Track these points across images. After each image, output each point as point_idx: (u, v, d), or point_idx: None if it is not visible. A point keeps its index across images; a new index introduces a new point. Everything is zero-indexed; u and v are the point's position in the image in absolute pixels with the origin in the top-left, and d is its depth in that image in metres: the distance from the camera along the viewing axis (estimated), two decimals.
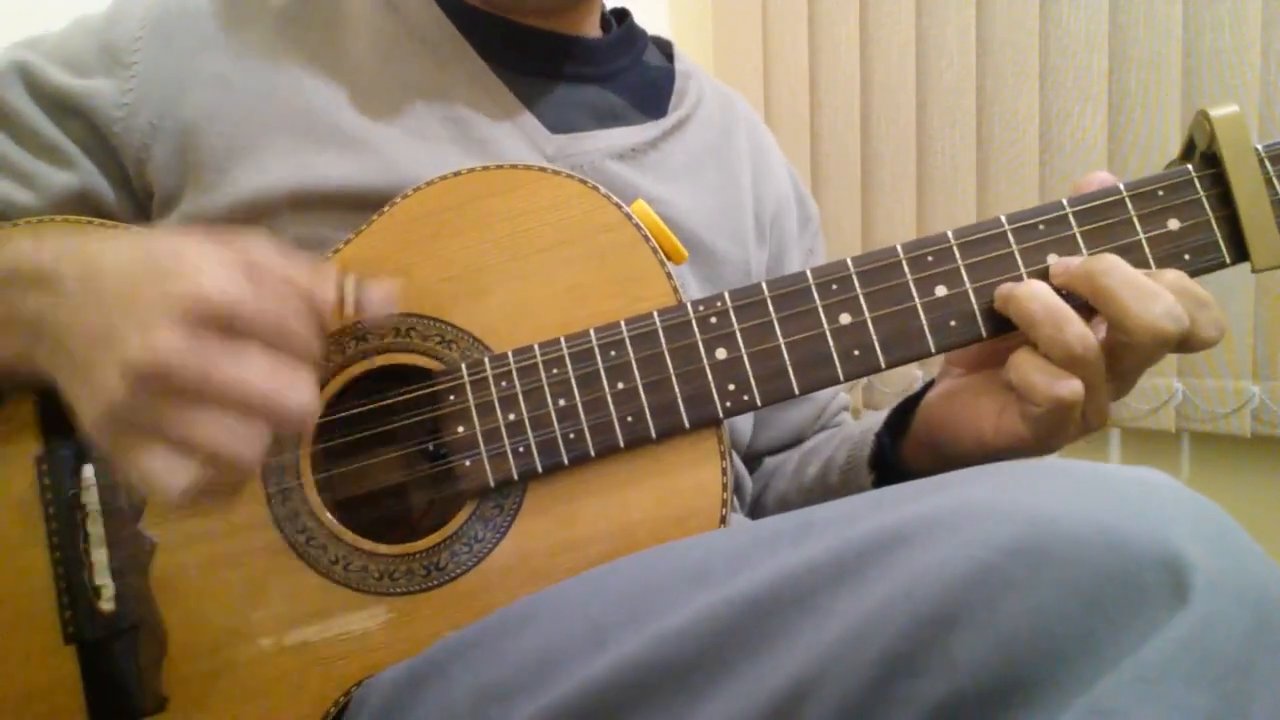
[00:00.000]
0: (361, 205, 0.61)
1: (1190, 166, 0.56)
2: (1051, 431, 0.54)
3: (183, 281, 0.44)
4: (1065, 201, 0.56)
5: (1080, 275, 0.53)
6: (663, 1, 1.90)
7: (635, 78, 0.76)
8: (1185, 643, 0.34)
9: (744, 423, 0.75)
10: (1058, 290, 0.53)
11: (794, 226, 0.84)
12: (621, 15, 0.81)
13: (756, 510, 0.80)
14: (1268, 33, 1.30)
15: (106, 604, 0.56)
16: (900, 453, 0.66)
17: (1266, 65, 1.30)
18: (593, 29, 0.76)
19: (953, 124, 1.56)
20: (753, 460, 0.84)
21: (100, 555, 0.56)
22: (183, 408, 0.43)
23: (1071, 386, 0.51)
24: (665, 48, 0.83)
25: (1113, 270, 0.51)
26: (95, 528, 0.56)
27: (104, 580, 0.56)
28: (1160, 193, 0.56)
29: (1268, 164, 0.55)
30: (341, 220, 0.61)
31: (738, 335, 0.56)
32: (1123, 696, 0.34)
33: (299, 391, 0.45)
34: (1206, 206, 0.55)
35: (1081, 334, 0.51)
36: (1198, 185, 0.55)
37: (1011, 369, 0.54)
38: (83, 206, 0.64)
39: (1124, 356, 0.52)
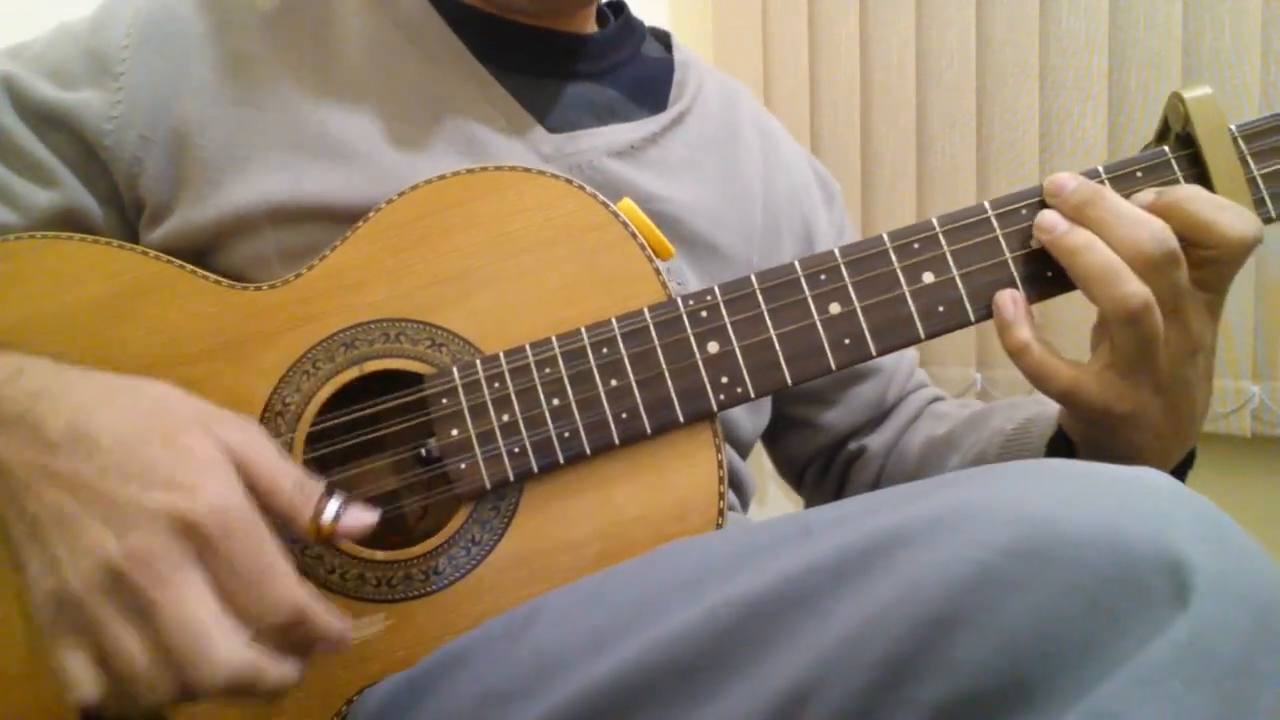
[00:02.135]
0: (350, 217, 0.60)
1: (1166, 148, 0.57)
2: (1136, 360, 0.53)
3: (175, 495, 0.44)
4: (1044, 185, 0.56)
5: (1072, 207, 0.54)
6: (663, 2, 1.90)
7: (633, 72, 0.75)
8: (1186, 644, 0.34)
9: (740, 416, 0.75)
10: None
11: (819, 207, 0.83)
12: (618, 8, 0.81)
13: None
14: (1268, 33, 1.29)
15: None
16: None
17: (1266, 65, 1.30)
18: (589, 25, 0.75)
19: (953, 124, 1.56)
20: (837, 446, 0.83)
21: None
22: (124, 620, 0.43)
23: (1134, 287, 0.52)
24: (664, 39, 0.82)
25: (1101, 199, 0.54)
26: None
27: None
28: (1139, 174, 0.57)
29: (1241, 143, 0.56)
30: (329, 232, 0.60)
31: (729, 328, 0.56)
32: (1124, 699, 0.34)
33: (226, 648, 0.43)
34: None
35: (1159, 230, 0.52)
36: (1174, 166, 0.57)
37: (1071, 264, 0.54)
38: (67, 224, 0.63)
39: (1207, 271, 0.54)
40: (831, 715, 0.39)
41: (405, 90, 0.66)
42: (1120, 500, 0.38)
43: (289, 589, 0.45)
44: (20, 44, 0.68)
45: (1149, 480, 0.40)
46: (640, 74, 0.76)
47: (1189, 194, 0.53)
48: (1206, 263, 0.54)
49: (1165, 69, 1.36)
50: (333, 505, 0.49)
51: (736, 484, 0.76)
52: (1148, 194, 0.55)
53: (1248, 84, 1.30)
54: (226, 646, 0.43)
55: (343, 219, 0.60)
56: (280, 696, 0.46)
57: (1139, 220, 0.53)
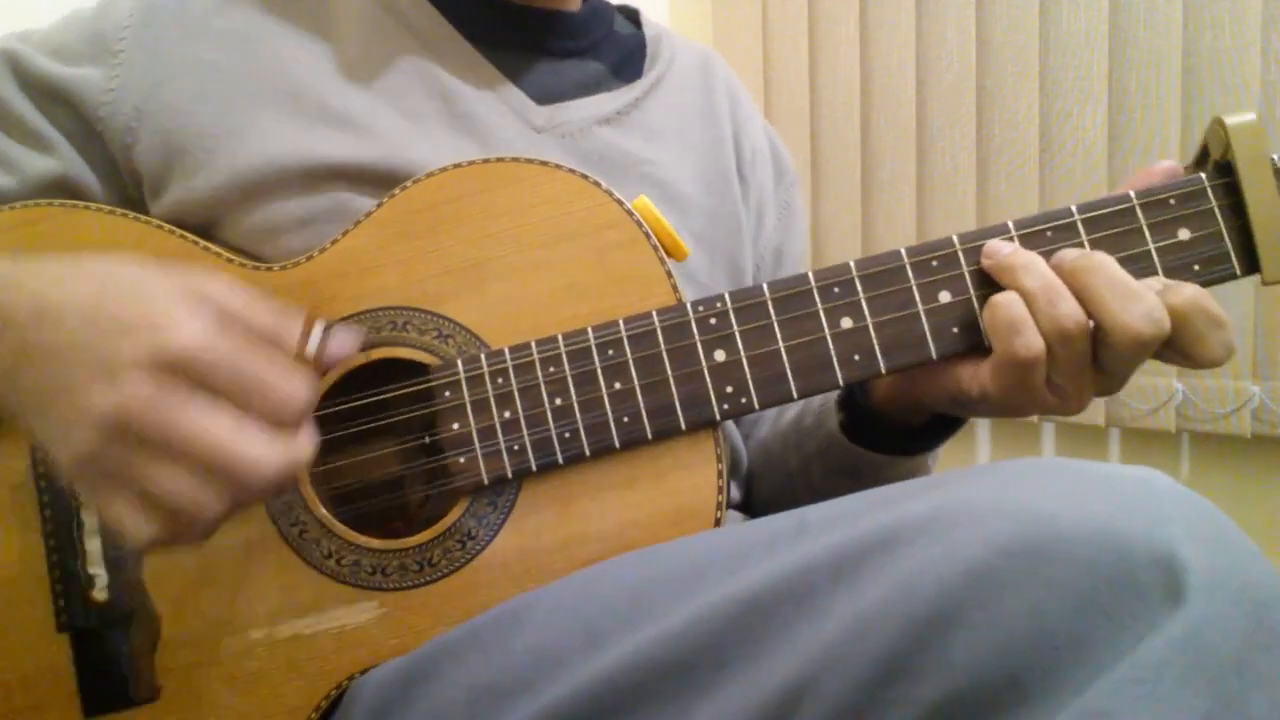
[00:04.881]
0: (359, 180, 0.61)
1: (1203, 175, 0.55)
2: (1011, 389, 0.54)
3: (150, 334, 0.43)
4: (1074, 208, 0.55)
5: (1067, 271, 0.52)
6: (663, 2, 1.90)
7: (610, 47, 0.77)
8: (1181, 643, 0.34)
9: None
10: None
11: (769, 180, 0.84)
12: None
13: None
14: (1268, 33, 1.29)
15: (99, 593, 0.56)
16: (868, 394, 0.66)
17: (1266, 65, 1.30)
18: (570, 1, 0.76)
19: (953, 124, 1.56)
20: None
21: (94, 544, 0.56)
22: (148, 459, 0.43)
23: (1027, 342, 0.51)
24: (633, 16, 0.83)
25: (1098, 269, 0.51)
26: (89, 516, 0.56)
27: (97, 569, 0.56)
28: (1172, 201, 0.55)
29: None
30: (338, 196, 0.61)
31: (737, 338, 0.56)
32: (1118, 697, 0.34)
33: (263, 449, 0.44)
34: (1219, 217, 0.54)
35: (1072, 312, 0.51)
36: (1210, 195, 0.55)
37: (987, 307, 0.54)
38: (62, 192, 0.64)
39: (1104, 355, 0.52)
40: (827, 713, 0.39)
41: (397, 70, 0.67)
42: (1116, 499, 0.38)
43: (293, 382, 0.45)
44: (30, 29, 0.70)
45: (1146, 479, 0.40)
46: (617, 49, 0.77)
47: (1096, 265, 0.52)
48: (1100, 344, 0.52)
49: (1165, 69, 1.36)
50: (317, 330, 0.49)
51: (734, 464, 0.76)
52: (1070, 253, 0.53)
53: (1248, 84, 1.31)
54: (261, 447, 0.44)
55: (352, 181, 0.61)
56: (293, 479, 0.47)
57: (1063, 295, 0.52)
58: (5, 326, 0.46)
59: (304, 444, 0.46)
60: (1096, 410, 1.46)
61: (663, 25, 0.83)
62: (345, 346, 0.50)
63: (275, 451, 0.44)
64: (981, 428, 1.66)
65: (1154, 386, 1.41)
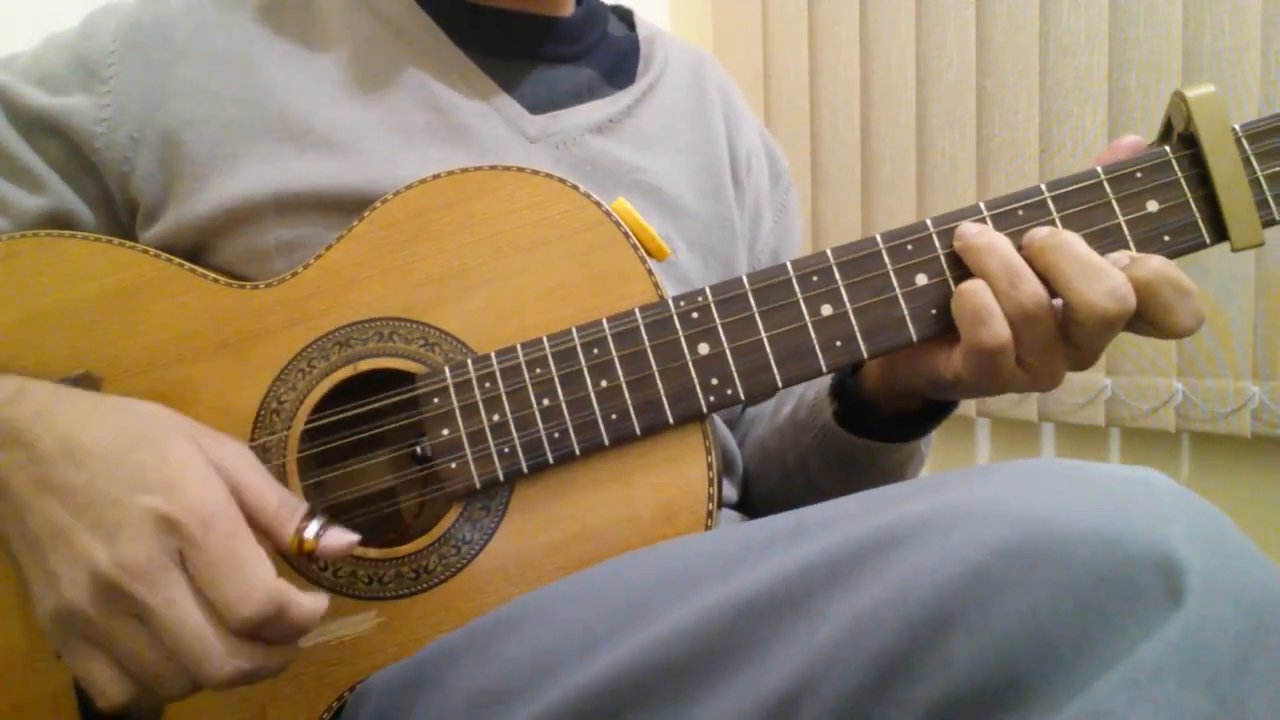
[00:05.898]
0: (341, 206, 0.61)
1: (1168, 148, 0.56)
2: (981, 372, 0.54)
3: (161, 493, 0.46)
4: (1043, 186, 0.56)
5: (1035, 250, 0.53)
6: (663, 2, 1.90)
7: (604, 51, 0.77)
8: (1179, 644, 0.34)
9: None
10: None
11: (765, 182, 0.84)
12: None
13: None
14: (1268, 33, 1.29)
15: None
16: (860, 383, 0.67)
17: (1266, 65, 1.30)
18: (564, 7, 0.76)
19: (953, 124, 1.56)
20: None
21: None
22: (125, 625, 0.45)
23: (992, 332, 0.52)
24: (626, 17, 0.83)
25: (1063, 247, 0.52)
26: None
27: None
28: (1138, 175, 0.56)
29: (1245, 143, 0.55)
30: (322, 222, 0.61)
31: (719, 330, 0.56)
32: (1116, 698, 0.34)
33: (217, 657, 0.45)
34: (1185, 187, 0.55)
35: (1033, 293, 0.52)
36: (1175, 166, 0.55)
37: (954, 297, 0.54)
38: (54, 225, 0.64)
39: (1073, 332, 0.53)
40: (825, 715, 0.39)
41: (390, 82, 0.66)
42: (1115, 500, 0.38)
43: (264, 580, 0.46)
44: (9, 55, 0.69)
45: (1144, 480, 0.40)
46: (611, 53, 0.77)
47: (1061, 243, 0.52)
48: (1069, 321, 0.52)
49: (1165, 69, 1.36)
50: (314, 524, 0.51)
51: (728, 464, 0.76)
52: (1039, 232, 0.54)
53: (1248, 84, 1.30)
54: (220, 650, 0.46)
55: (334, 208, 0.61)
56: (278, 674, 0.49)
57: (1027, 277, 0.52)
58: (29, 460, 0.48)
59: (278, 660, 0.48)
60: (1096, 410, 1.46)
61: (656, 26, 0.83)
62: (342, 542, 0.51)
63: (233, 660, 0.46)
64: (981, 428, 1.66)
65: (1154, 386, 1.41)
